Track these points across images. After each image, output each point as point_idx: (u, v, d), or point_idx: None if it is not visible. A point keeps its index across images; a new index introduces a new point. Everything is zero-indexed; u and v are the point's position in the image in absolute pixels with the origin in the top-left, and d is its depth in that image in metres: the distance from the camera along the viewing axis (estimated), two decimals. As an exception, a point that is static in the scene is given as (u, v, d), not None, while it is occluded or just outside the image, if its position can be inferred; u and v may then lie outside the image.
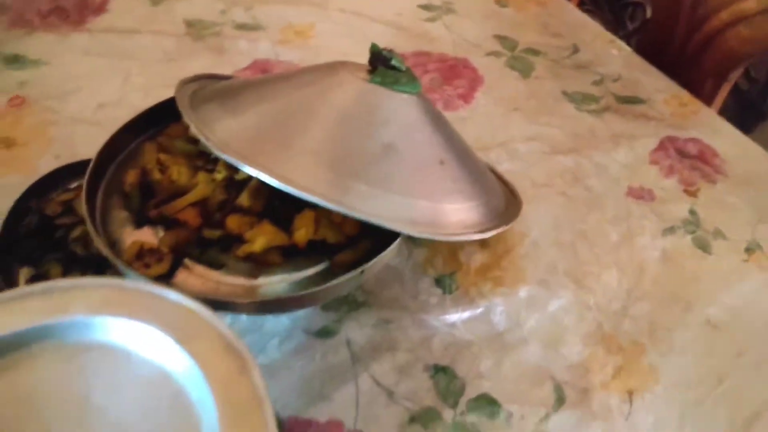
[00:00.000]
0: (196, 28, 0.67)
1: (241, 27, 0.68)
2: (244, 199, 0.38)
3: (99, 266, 0.44)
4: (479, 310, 0.46)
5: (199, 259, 0.37)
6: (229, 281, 0.37)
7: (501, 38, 0.71)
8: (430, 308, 0.46)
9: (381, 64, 0.42)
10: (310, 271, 0.38)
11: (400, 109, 0.41)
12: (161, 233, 0.38)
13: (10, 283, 0.44)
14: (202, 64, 0.63)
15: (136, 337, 0.29)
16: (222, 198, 0.38)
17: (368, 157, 0.37)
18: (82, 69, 0.61)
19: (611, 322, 0.47)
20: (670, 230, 0.54)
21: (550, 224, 0.53)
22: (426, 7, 0.74)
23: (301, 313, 0.45)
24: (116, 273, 0.39)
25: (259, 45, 0.66)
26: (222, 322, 0.30)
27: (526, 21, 0.74)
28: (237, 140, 0.36)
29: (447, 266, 0.49)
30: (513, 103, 0.64)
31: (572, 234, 0.52)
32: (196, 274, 0.37)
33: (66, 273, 0.44)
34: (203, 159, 0.41)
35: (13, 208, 0.46)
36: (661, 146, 0.61)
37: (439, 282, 0.48)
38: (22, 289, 0.31)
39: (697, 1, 0.65)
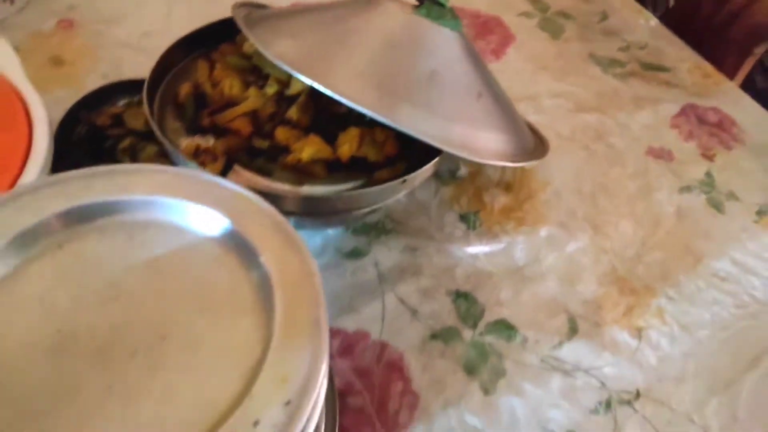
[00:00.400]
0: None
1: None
2: (293, 113, 0.40)
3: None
4: (501, 245, 0.49)
5: (248, 166, 0.40)
6: (275, 187, 0.39)
7: (533, 0, 0.73)
8: (454, 240, 0.49)
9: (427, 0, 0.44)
10: (350, 185, 0.40)
11: (443, 42, 0.43)
12: (212, 141, 0.40)
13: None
14: (243, 2, 0.64)
15: (193, 217, 0.31)
16: (272, 110, 0.41)
17: (413, 81, 0.39)
18: (130, -3, 0.63)
19: (625, 266, 0.49)
20: (686, 189, 0.56)
21: (572, 175, 0.55)
22: (461, -34, 0.75)
23: (332, 234, 0.47)
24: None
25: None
26: (273, 208, 0.32)
27: (559, -14, 0.75)
28: (291, 55, 0.38)
29: (471, 205, 0.51)
30: (542, 61, 0.66)
31: (593, 185, 0.55)
32: (245, 179, 0.39)
33: (113, 182, 0.47)
34: (255, 75, 0.43)
35: (64, 117, 0.49)
36: (683, 112, 0.63)
37: (463, 218, 0.50)
38: (89, 169, 0.33)
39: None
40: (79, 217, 0.31)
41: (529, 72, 0.64)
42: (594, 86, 0.64)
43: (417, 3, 0.46)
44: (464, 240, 0.49)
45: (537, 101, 0.61)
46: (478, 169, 0.54)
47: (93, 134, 0.49)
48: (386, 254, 0.47)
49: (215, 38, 0.47)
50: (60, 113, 0.49)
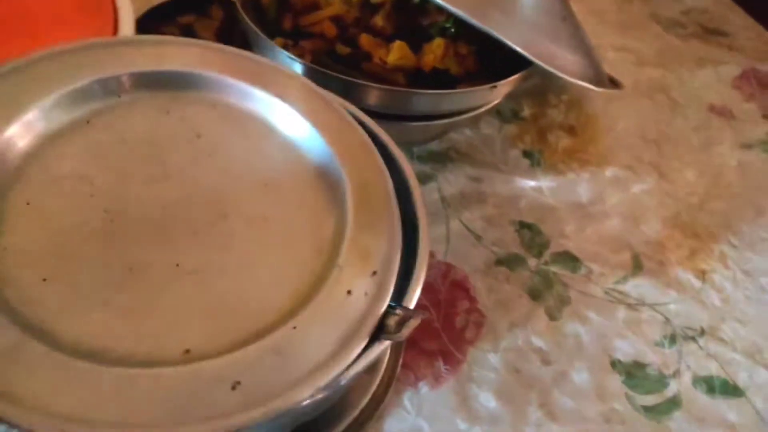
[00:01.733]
0: None
1: None
2: (378, 20, 0.40)
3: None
4: (565, 181, 0.48)
5: (330, 69, 0.39)
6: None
7: (594, -42, 0.72)
8: (519, 173, 0.48)
9: None
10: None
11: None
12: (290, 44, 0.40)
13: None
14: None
15: (239, 94, 0.29)
16: (356, 16, 0.40)
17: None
18: None
19: (689, 213, 0.49)
20: (747, 146, 0.55)
21: (636, 122, 0.54)
22: None
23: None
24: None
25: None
26: (333, 95, 0.31)
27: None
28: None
29: (535, 144, 0.51)
30: (605, 15, 0.65)
31: (656, 133, 0.54)
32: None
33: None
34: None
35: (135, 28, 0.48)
36: (744, 75, 0.62)
37: (527, 155, 0.50)
38: (110, 38, 0.31)
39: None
40: (102, 90, 0.27)
41: (593, 24, 0.63)
42: (656, 44, 0.63)
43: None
44: (529, 174, 0.48)
45: (600, 52, 0.60)
46: (541, 110, 0.53)
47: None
48: (451, 181, 0.46)
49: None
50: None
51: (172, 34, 0.49)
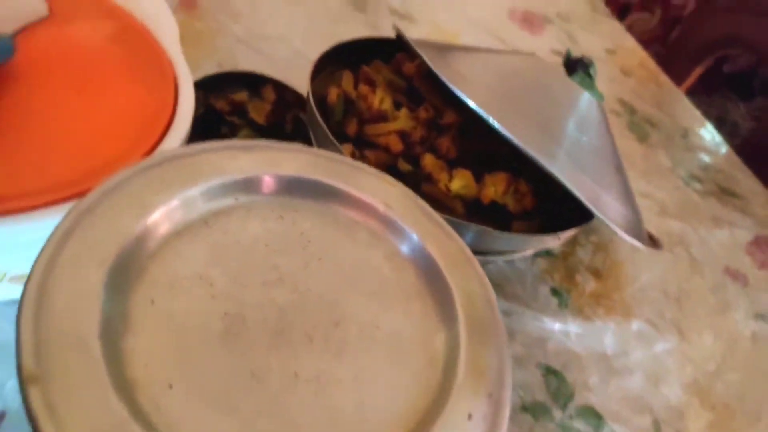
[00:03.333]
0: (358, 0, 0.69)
1: (395, 12, 0.71)
2: (443, 142, 0.39)
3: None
4: (592, 328, 0.47)
5: (389, 187, 0.38)
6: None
7: (623, 102, 0.75)
8: (548, 312, 0.47)
9: (580, 68, 0.44)
10: (486, 229, 0.39)
11: (592, 109, 0.43)
12: (352, 150, 0.39)
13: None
14: (358, 33, 0.65)
15: (345, 201, 0.30)
16: (422, 135, 0.39)
17: (571, 138, 0.39)
18: (252, -1, 0.62)
19: (707, 380, 0.48)
20: (761, 316, 0.56)
21: (658, 275, 0.55)
22: (559, 53, 0.77)
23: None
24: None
25: (409, 34, 0.68)
26: (424, 202, 0.31)
27: (646, 95, 0.78)
28: (457, 79, 0.37)
29: (564, 283, 0.50)
30: (629, 159, 0.67)
31: (677, 289, 0.54)
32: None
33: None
34: (407, 97, 0.42)
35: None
36: (756, 241, 0.64)
37: (556, 293, 0.49)
38: (229, 141, 0.31)
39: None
40: (224, 192, 0.28)
41: (618, 167, 0.65)
42: (677, 196, 0.65)
43: (566, 69, 0.46)
44: (557, 315, 0.47)
45: (625, 196, 0.61)
46: (571, 248, 0.53)
47: (209, 117, 0.47)
48: (483, 310, 0.45)
49: (355, 54, 0.47)
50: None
51: (222, 109, 0.47)
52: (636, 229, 0.41)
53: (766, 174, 0.73)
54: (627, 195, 0.42)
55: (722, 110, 1.83)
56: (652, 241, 0.46)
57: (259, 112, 0.47)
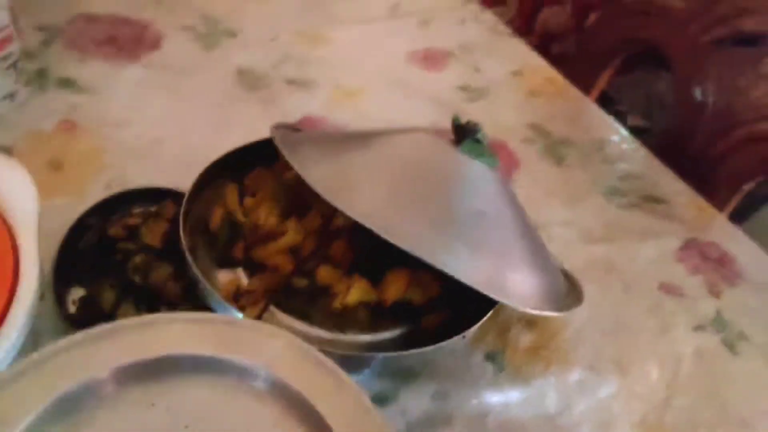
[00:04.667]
0: (247, 78, 0.68)
1: (292, 82, 0.69)
2: (337, 250, 0.38)
3: (153, 299, 0.43)
4: (531, 390, 0.46)
5: (285, 307, 0.36)
6: (313, 333, 0.36)
7: (534, 126, 0.75)
8: (484, 383, 0.46)
9: (467, 136, 0.44)
10: (396, 331, 0.38)
11: (485, 179, 0.42)
12: (241, 274, 0.37)
13: (61, 301, 0.42)
14: (253, 113, 0.63)
15: (235, 370, 0.28)
16: (313, 247, 0.38)
17: (466, 221, 0.38)
18: (137, 101, 0.60)
19: (656, 413, 0.47)
20: (700, 327, 0.56)
21: (592, 310, 0.54)
22: (464, 89, 0.77)
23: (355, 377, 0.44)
24: (190, 308, 0.38)
25: (310, 102, 0.67)
26: (321, 354, 0.29)
27: (557, 114, 0.78)
28: (337, 187, 0.36)
29: (497, 343, 0.49)
30: (548, 187, 0.67)
31: (612, 322, 0.54)
32: (281, 322, 0.36)
33: (119, 300, 0.42)
34: (293, 205, 0.40)
35: (75, 223, 0.45)
36: (686, 246, 0.64)
37: (489, 358, 0.48)
38: (88, 331, 0.29)
39: (718, 113, 0.70)
40: (85, 394, 0.26)
41: (537, 198, 0.64)
42: (601, 216, 0.65)
43: (453, 138, 0.46)
44: (494, 383, 0.46)
45: (548, 230, 0.61)
46: (500, 306, 0.52)
47: (103, 244, 0.45)
48: (415, 401, 0.43)
49: (238, 159, 0.45)
50: (57, 222, 0.45)
51: (117, 235, 0.45)
52: (551, 293, 0.41)
53: (684, 169, 0.73)
54: (536, 259, 0.41)
55: (646, 85, 1.87)
56: (574, 291, 0.45)
57: (154, 234, 0.45)
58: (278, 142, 0.39)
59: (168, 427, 0.26)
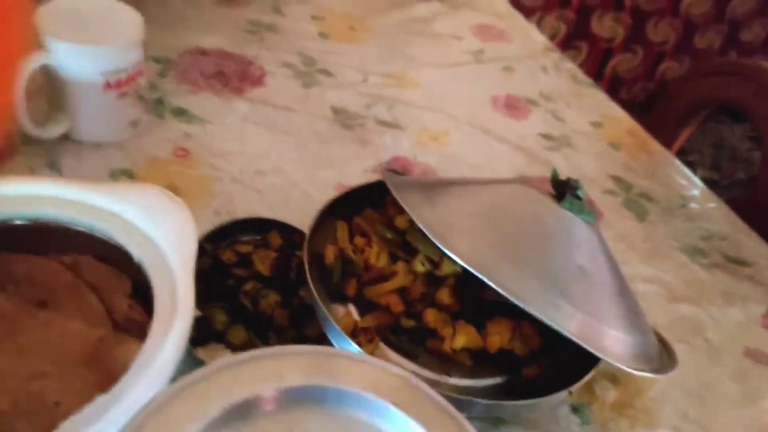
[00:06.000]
0: (342, 116, 0.71)
1: (382, 123, 0.73)
2: (444, 296, 0.40)
3: (263, 323, 0.45)
4: (618, 447, 0.47)
5: (394, 345, 0.38)
6: (420, 373, 0.38)
7: (615, 178, 0.76)
8: (570, 436, 0.46)
9: (568, 192, 0.45)
10: (497, 379, 0.39)
11: (585, 236, 0.44)
12: (352, 310, 0.39)
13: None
14: (349, 150, 0.67)
15: (361, 405, 0.30)
16: (422, 291, 0.40)
17: (569, 277, 0.39)
18: (242, 134, 0.64)
19: (743, 485, 0.47)
20: (789, 400, 0.55)
21: (677, 371, 0.54)
22: (546, 137, 0.79)
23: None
24: (295, 335, 0.40)
25: (400, 143, 0.70)
26: (437, 394, 0.31)
27: (638, 167, 0.79)
28: (447, 234, 0.38)
29: (582, 396, 0.50)
30: (630, 242, 0.67)
31: (697, 384, 0.53)
32: (390, 359, 0.38)
33: (230, 323, 0.45)
34: (402, 249, 0.43)
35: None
36: (771, 312, 0.63)
37: (576, 411, 0.48)
38: (230, 358, 0.31)
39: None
40: (230, 418, 0.28)
41: (620, 252, 0.65)
42: (682, 274, 0.65)
43: (553, 192, 0.47)
44: (580, 437, 0.46)
45: (632, 286, 0.61)
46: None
47: (217, 270, 0.48)
48: (503, 447, 0.44)
49: (349, 198, 0.48)
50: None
51: (229, 260, 0.48)
52: (647, 352, 0.41)
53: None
54: (632, 318, 0.42)
55: (718, 136, 1.84)
56: (666, 354, 0.46)
57: (264, 263, 0.48)
58: (391, 187, 0.41)
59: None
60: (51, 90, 0.55)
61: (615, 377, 0.52)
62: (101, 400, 0.33)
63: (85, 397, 0.34)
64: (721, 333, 0.59)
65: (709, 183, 0.78)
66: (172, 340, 0.35)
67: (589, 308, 0.39)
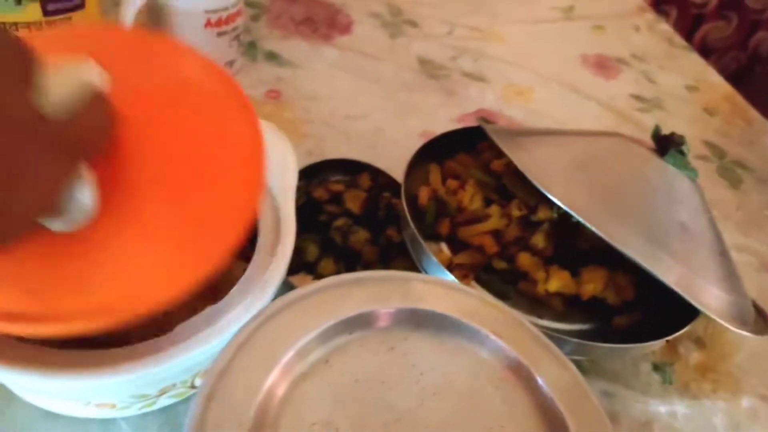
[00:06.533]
0: (428, 67, 0.71)
1: (468, 75, 0.72)
2: (538, 240, 0.40)
3: (351, 258, 0.47)
4: (699, 408, 0.46)
5: (486, 284, 0.39)
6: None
7: (709, 144, 0.72)
8: (651, 392, 0.46)
9: (672, 147, 0.44)
10: (587, 325, 0.39)
11: (688, 191, 0.42)
12: (445, 248, 0.40)
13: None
14: (435, 100, 0.66)
15: (456, 331, 0.31)
16: (517, 234, 0.40)
17: (670, 231, 0.38)
18: (331, 79, 0.65)
19: (832, 458, 0.45)
20: None
21: (766, 340, 0.52)
22: (638, 98, 0.76)
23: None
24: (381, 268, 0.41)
25: (485, 95, 0.69)
26: (537, 330, 0.31)
27: (734, 134, 0.75)
28: (547, 178, 0.37)
29: (666, 356, 0.49)
30: (722, 210, 0.64)
31: (788, 356, 0.51)
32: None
33: (321, 255, 0.47)
34: (497, 193, 0.43)
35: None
36: None
37: (657, 369, 0.48)
38: (339, 277, 0.33)
39: None
40: (339, 330, 0.30)
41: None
42: (778, 246, 0.62)
43: (655, 147, 0.46)
44: (661, 394, 0.46)
45: (722, 252, 0.59)
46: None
47: (309, 205, 0.49)
48: (584, 395, 0.44)
49: (440, 143, 0.48)
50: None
51: (321, 197, 0.50)
52: (743, 314, 0.40)
53: None
54: (731, 279, 0.41)
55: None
56: (762, 320, 0.44)
57: (354, 202, 0.49)
58: (490, 132, 0.41)
59: (404, 370, 0.29)
60: (155, 26, 0.58)
61: (700, 340, 0.51)
62: (209, 310, 0.35)
63: (192, 311, 0.36)
64: (816, 307, 0.56)
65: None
66: (276, 261, 0.37)
67: (689, 263, 0.38)
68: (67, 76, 0.25)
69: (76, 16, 0.49)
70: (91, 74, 0.27)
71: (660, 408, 0.45)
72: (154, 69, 0.34)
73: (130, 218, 0.29)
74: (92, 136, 0.26)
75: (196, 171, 0.31)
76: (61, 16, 0.49)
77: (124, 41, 0.36)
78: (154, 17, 0.57)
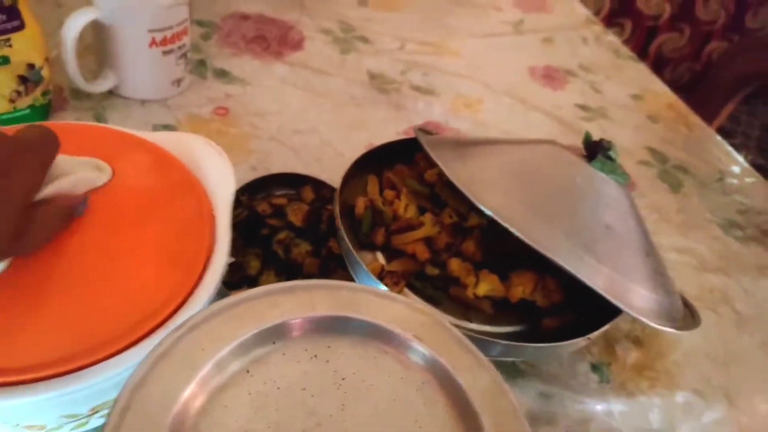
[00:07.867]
0: (378, 82, 0.72)
1: (417, 89, 0.73)
2: (469, 246, 0.41)
3: (293, 271, 0.47)
4: (636, 406, 0.47)
5: (418, 291, 0.40)
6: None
7: (652, 150, 0.75)
8: (589, 391, 0.47)
9: (599, 152, 0.45)
10: (517, 327, 0.40)
11: (615, 195, 0.44)
12: (380, 257, 0.41)
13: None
14: (383, 114, 0.68)
15: (378, 336, 0.31)
16: (448, 241, 0.41)
17: (596, 234, 0.40)
18: (281, 95, 0.66)
19: (763, 449, 0.47)
20: (817, 372, 0.54)
21: (702, 338, 0.54)
22: (583, 107, 0.78)
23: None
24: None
25: (433, 108, 0.71)
26: (460, 333, 0.32)
27: (676, 140, 0.78)
28: (475, 186, 0.39)
29: (603, 356, 0.50)
30: (663, 213, 0.66)
31: (723, 352, 0.53)
32: (414, 306, 0.39)
33: (263, 269, 0.47)
34: (430, 202, 0.44)
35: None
36: (807, 288, 0.62)
37: (595, 369, 0.49)
38: (268, 287, 0.33)
39: None
40: (262, 340, 0.30)
41: (652, 222, 0.65)
42: (716, 246, 0.64)
43: (585, 154, 0.47)
44: (599, 393, 0.47)
45: (664, 255, 0.61)
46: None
47: (252, 220, 0.50)
48: (521, 398, 0.45)
49: (380, 155, 0.49)
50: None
51: (264, 211, 0.51)
52: (671, 312, 0.42)
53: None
54: (658, 278, 0.42)
55: (764, 121, 1.78)
56: (691, 316, 0.46)
57: (296, 215, 0.50)
58: (423, 142, 0.42)
59: (327, 377, 0.30)
60: (100, 46, 0.58)
61: (637, 339, 0.52)
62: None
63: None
64: (751, 304, 0.59)
65: (756, 167, 0.77)
66: (208, 274, 0.37)
67: (615, 264, 0.39)
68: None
69: (16, 37, 0.50)
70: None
71: (597, 407, 0.46)
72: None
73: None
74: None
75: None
76: (1, 37, 0.49)
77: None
78: (100, 38, 0.57)
